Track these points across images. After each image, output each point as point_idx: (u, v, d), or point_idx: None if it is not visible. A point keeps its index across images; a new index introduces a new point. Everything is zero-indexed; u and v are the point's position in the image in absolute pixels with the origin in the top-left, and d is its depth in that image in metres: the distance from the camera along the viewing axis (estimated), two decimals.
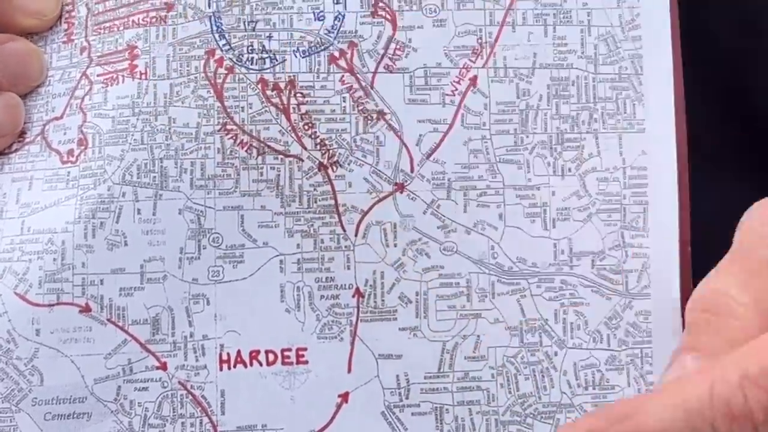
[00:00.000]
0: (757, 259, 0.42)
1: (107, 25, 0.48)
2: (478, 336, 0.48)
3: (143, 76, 0.47)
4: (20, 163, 0.49)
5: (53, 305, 0.47)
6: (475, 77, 0.48)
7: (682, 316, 0.48)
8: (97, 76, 0.48)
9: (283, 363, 0.47)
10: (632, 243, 0.48)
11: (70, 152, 0.48)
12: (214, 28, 0.48)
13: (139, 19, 0.48)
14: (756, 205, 0.44)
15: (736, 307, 0.41)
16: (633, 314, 0.48)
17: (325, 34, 0.48)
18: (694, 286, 0.48)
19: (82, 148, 0.48)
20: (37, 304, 0.47)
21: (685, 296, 0.48)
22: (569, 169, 0.48)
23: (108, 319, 0.47)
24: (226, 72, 0.48)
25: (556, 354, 0.48)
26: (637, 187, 0.49)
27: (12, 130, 0.49)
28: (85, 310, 0.47)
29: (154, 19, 0.48)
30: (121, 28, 0.48)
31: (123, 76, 0.48)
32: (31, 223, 0.47)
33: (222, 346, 0.47)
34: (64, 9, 0.49)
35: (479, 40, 0.48)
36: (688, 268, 0.49)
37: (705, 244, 0.49)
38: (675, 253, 0.48)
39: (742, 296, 0.41)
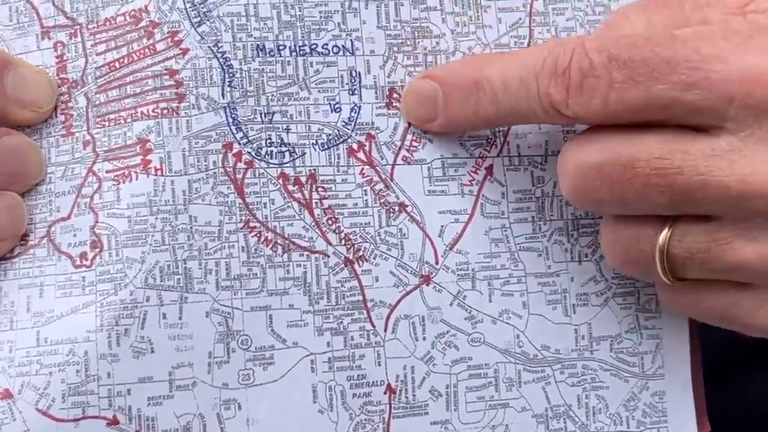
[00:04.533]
0: None
1: (112, 117, 0.47)
2: (507, 426, 0.50)
3: (158, 172, 0.47)
4: (26, 268, 0.47)
5: (79, 420, 0.45)
6: (491, 166, 0.50)
7: (694, 395, 0.51)
8: (107, 172, 0.47)
9: None
10: (646, 325, 0.51)
11: (83, 255, 0.47)
12: (230, 120, 0.48)
13: (148, 110, 0.47)
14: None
15: (629, 26, 0.47)
16: (649, 395, 0.51)
17: (343, 126, 0.49)
18: (704, 365, 0.52)
19: (97, 250, 0.47)
20: (62, 420, 0.45)
21: (696, 376, 0.51)
22: (586, 255, 0.51)
23: (137, 431, 0.46)
24: (245, 167, 0.48)
25: None
26: None
27: (14, 233, 0.47)
28: (113, 422, 0.46)
29: (165, 111, 0.47)
30: (129, 120, 0.47)
31: (136, 172, 0.47)
32: (48, 333, 0.46)
33: None
34: (59, 99, 0.48)
35: (492, 129, 0.50)
36: (697, 347, 0.51)
37: None
38: (685, 333, 0.51)
39: (640, 17, 0.47)
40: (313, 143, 0.49)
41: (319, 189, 0.48)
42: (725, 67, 0.42)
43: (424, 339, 0.49)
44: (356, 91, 0.49)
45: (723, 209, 0.44)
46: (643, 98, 0.43)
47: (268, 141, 0.48)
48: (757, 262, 0.44)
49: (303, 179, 0.48)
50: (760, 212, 0.43)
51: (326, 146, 0.49)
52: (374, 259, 0.49)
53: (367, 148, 0.49)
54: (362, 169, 0.49)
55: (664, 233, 0.45)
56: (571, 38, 0.49)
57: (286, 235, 0.48)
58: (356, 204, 0.49)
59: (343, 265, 0.48)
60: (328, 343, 0.48)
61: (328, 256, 0.48)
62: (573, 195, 0.46)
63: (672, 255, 0.45)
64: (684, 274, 0.46)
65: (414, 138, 0.50)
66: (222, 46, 0.48)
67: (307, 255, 0.48)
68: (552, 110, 0.45)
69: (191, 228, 0.47)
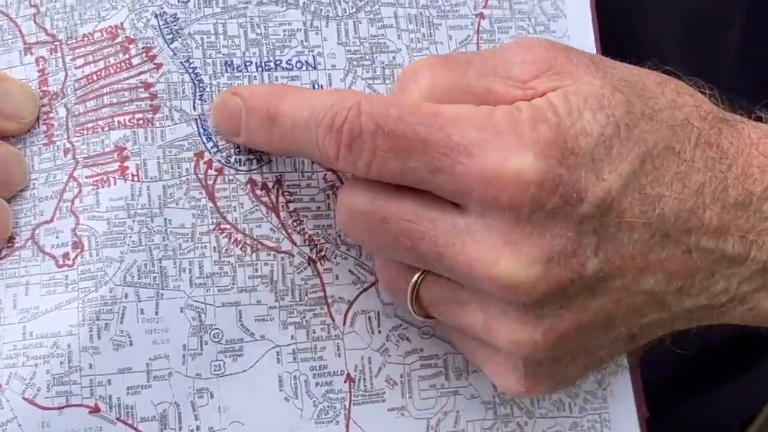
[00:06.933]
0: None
1: (90, 125, 0.51)
2: (458, 411, 0.54)
3: (135, 178, 0.51)
4: (12, 268, 0.51)
5: (63, 408, 0.49)
6: None
7: (632, 381, 0.56)
8: (86, 177, 0.51)
9: None
10: None
11: (66, 256, 0.51)
12: (201, 131, 0.52)
13: (125, 120, 0.51)
14: None
15: (415, 88, 0.50)
16: (589, 383, 0.56)
17: None
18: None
19: (78, 251, 0.50)
20: (47, 408, 0.49)
21: (633, 364, 0.56)
22: None
23: (117, 418, 0.50)
24: (216, 173, 0.52)
25: (526, 424, 0.55)
26: None
27: (1, 236, 0.51)
28: (95, 410, 0.49)
29: (141, 121, 0.51)
30: (107, 128, 0.51)
31: (114, 177, 0.51)
32: (33, 328, 0.50)
33: None
34: (41, 110, 0.52)
35: None
36: None
37: None
38: None
39: (426, 80, 0.50)
40: None
41: (285, 193, 0.53)
42: (469, 161, 0.46)
43: (380, 332, 0.54)
44: None
45: (457, 279, 0.48)
46: (399, 170, 0.47)
47: (237, 149, 0.52)
48: (481, 330, 0.49)
49: (270, 184, 0.52)
50: (485, 291, 0.47)
51: None
52: (335, 258, 0.53)
53: None
54: (325, 174, 0.53)
55: (415, 278, 0.50)
56: (357, 94, 0.50)
57: (255, 236, 0.52)
58: (319, 207, 0.53)
59: (306, 264, 0.53)
60: (293, 336, 0.52)
61: (293, 256, 0.52)
62: (343, 231, 0.51)
63: (420, 298, 0.50)
64: (431, 315, 0.51)
65: None
66: (193, 62, 0.52)
67: (274, 255, 0.52)
68: (327, 161, 0.49)
69: (166, 230, 0.51)
